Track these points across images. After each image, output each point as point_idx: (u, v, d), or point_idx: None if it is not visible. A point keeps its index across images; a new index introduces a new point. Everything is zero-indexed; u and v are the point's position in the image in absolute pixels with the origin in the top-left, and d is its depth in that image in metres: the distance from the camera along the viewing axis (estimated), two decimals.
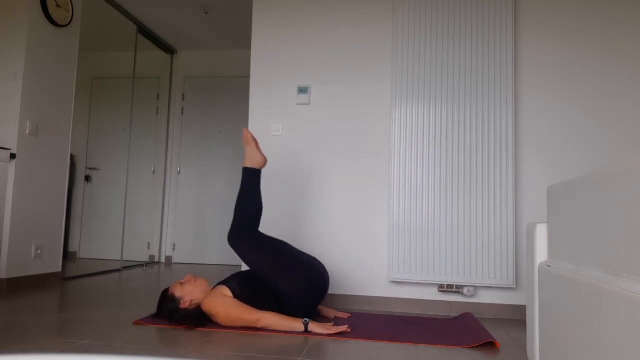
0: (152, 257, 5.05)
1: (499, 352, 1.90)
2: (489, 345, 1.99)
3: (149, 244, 5.03)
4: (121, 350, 1.74)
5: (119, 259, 4.53)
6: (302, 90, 2.99)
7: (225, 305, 2.12)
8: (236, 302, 2.14)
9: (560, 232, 1.30)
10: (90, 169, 4.84)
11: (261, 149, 2.77)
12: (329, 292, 2.85)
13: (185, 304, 2.18)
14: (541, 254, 1.47)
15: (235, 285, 2.20)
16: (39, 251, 3.27)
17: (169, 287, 2.28)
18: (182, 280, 2.26)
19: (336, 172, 2.92)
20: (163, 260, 5.16)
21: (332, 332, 2.07)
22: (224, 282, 2.24)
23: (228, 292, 2.18)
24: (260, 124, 3.03)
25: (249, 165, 2.46)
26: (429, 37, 2.82)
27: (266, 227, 2.95)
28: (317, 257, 2.89)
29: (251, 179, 2.44)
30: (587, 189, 1.10)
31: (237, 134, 5.15)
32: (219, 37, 4.96)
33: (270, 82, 3.05)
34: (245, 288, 2.20)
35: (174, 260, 5.13)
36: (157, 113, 5.18)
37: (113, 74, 4.93)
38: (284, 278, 2.24)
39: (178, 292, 2.21)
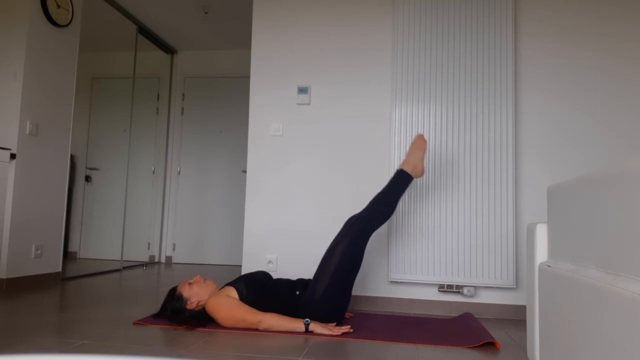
0: (152, 257, 5.05)
1: (499, 352, 1.90)
2: (489, 345, 1.99)
3: (149, 244, 5.03)
4: (121, 350, 1.74)
5: (119, 259, 4.53)
6: (302, 90, 2.99)
7: (228, 306, 2.12)
8: (240, 303, 2.14)
9: (560, 232, 1.30)
10: (90, 169, 4.84)
11: (424, 162, 2.62)
12: None
13: (192, 304, 2.17)
14: (541, 254, 1.47)
15: (243, 286, 2.19)
16: (39, 251, 3.27)
17: (176, 286, 2.27)
18: (191, 280, 2.25)
19: (336, 172, 2.92)
20: (163, 260, 5.16)
21: (335, 333, 2.07)
22: (231, 283, 2.24)
23: (234, 294, 2.18)
24: (260, 124, 3.03)
25: (408, 170, 2.41)
26: (429, 36, 2.82)
27: (266, 226, 2.95)
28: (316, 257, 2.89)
29: (402, 183, 2.40)
30: (587, 189, 1.10)
31: (237, 134, 5.15)
32: (219, 37, 4.96)
33: (270, 82, 3.05)
34: (252, 290, 2.19)
35: (174, 260, 5.13)
36: (157, 113, 5.18)
37: (113, 74, 4.93)
38: (334, 294, 2.22)
39: (186, 292, 2.20)
